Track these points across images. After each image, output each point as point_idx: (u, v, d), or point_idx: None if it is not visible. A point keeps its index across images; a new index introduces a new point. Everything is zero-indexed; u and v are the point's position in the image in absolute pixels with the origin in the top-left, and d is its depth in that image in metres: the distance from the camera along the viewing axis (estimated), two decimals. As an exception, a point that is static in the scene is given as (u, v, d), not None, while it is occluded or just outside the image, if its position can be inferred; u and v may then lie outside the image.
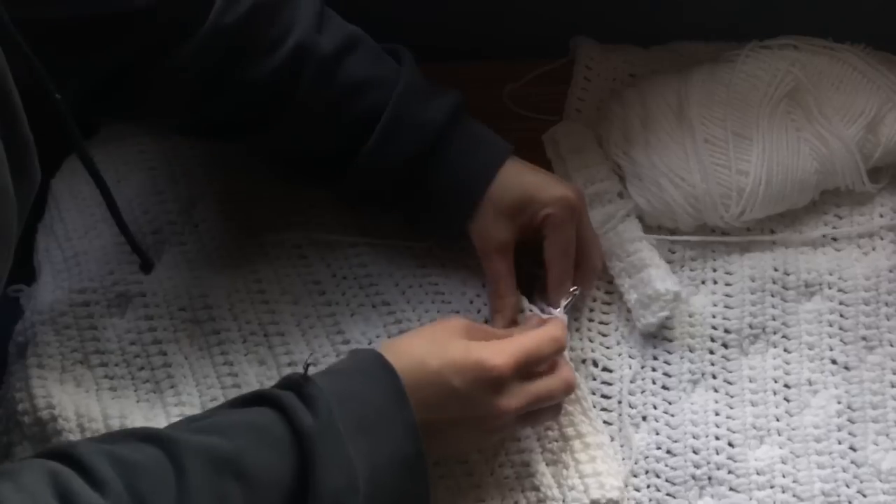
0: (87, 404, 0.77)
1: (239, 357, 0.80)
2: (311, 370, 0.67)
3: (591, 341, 0.81)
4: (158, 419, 0.78)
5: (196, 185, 0.88)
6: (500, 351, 0.69)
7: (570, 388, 0.73)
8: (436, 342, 0.70)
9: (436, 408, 0.67)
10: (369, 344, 0.80)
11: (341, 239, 0.85)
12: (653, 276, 0.80)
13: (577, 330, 0.81)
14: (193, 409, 0.78)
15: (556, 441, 0.76)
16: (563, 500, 0.73)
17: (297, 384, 0.65)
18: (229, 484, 0.59)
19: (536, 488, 0.74)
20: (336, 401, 0.64)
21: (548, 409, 0.73)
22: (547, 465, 0.75)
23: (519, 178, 0.78)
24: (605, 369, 0.80)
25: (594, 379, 0.79)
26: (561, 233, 0.77)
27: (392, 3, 0.89)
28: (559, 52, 0.93)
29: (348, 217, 0.86)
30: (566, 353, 0.75)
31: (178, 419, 0.76)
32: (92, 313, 0.82)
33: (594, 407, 0.78)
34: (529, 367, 0.70)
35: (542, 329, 0.74)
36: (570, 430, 0.76)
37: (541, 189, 0.78)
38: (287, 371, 0.79)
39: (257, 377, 0.79)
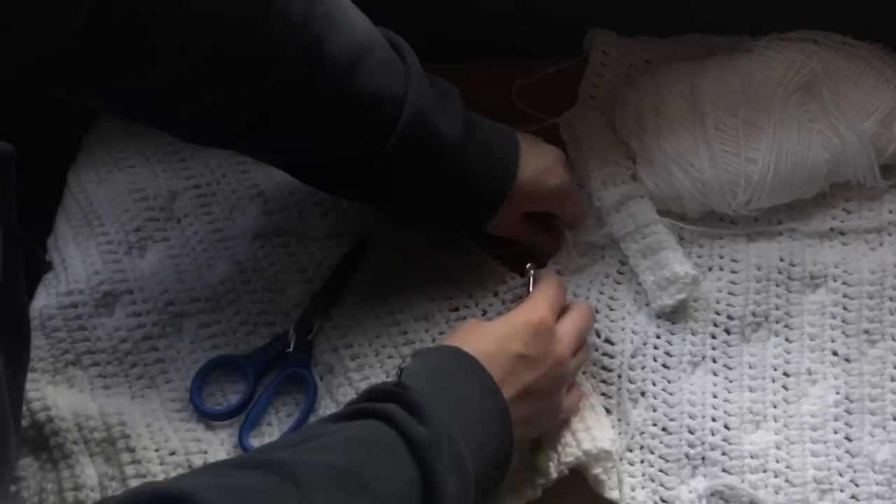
0: (82, 404, 0.78)
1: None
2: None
3: (597, 311, 0.81)
4: (156, 414, 0.78)
5: (175, 180, 0.89)
6: (534, 307, 0.73)
7: (590, 312, 0.78)
8: (473, 332, 0.72)
9: (512, 381, 0.69)
10: (359, 327, 0.81)
11: (324, 231, 0.86)
12: (670, 258, 0.81)
13: (587, 299, 0.82)
14: (190, 402, 0.79)
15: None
16: (559, 457, 0.74)
17: (394, 394, 0.63)
18: (353, 497, 0.57)
19: (531, 449, 0.75)
20: (438, 404, 0.63)
21: (586, 346, 0.78)
22: None
23: (530, 177, 0.81)
24: (607, 341, 0.80)
25: (596, 350, 0.80)
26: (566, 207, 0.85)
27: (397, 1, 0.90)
28: (569, 51, 0.93)
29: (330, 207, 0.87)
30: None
31: (176, 414, 0.78)
32: (80, 314, 0.83)
33: (594, 378, 0.79)
34: (557, 310, 0.75)
35: (544, 281, 0.78)
36: None
37: (546, 181, 0.82)
38: None
39: None
